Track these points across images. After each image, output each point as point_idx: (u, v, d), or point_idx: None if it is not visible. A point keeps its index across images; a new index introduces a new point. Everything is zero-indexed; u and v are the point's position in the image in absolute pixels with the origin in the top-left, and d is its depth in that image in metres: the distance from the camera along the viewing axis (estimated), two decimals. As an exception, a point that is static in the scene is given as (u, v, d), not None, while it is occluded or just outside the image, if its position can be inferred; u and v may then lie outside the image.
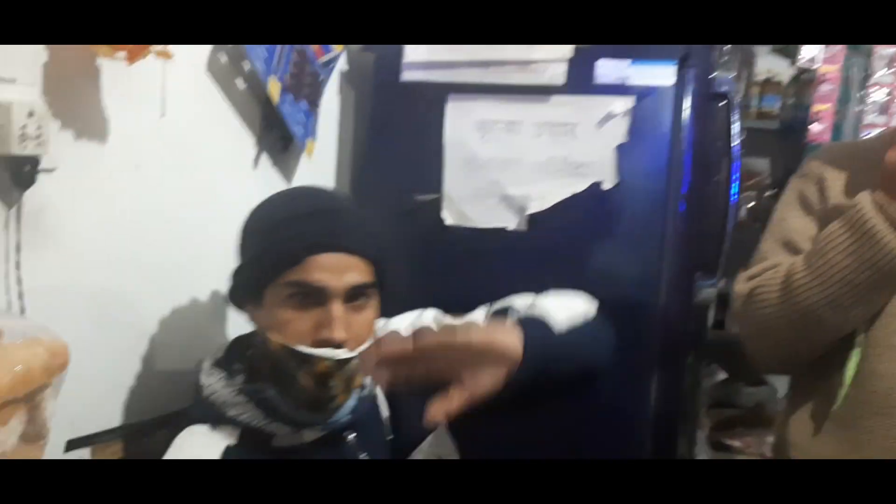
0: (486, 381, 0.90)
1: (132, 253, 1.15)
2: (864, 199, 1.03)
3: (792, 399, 1.23)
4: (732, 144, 1.48)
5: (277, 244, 0.98)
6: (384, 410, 1.12)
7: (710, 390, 2.55)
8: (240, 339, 1.09)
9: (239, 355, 1.05)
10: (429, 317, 1.25)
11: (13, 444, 0.51)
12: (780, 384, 3.02)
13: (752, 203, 2.58)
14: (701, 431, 2.24)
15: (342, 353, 0.96)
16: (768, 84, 2.63)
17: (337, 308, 0.96)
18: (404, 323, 1.23)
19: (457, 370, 0.88)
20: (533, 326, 0.94)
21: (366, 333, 1.00)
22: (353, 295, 0.98)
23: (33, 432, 0.53)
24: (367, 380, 1.07)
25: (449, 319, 1.25)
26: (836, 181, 1.16)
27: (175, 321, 1.26)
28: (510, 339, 0.91)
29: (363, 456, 1.05)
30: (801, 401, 1.18)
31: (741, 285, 1.19)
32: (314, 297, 0.96)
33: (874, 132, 2.04)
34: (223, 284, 1.11)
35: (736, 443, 2.78)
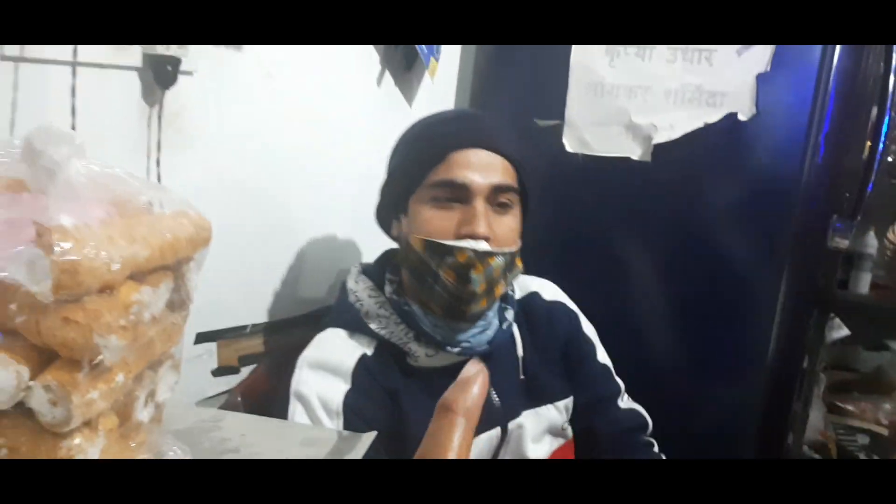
0: None
1: (264, 156, 1.19)
2: None
3: None
4: (889, 81, 1.36)
5: (422, 145, 1.00)
6: (520, 349, 1.11)
7: (829, 348, 2.42)
8: (390, 252, 1.11)
9: (389, 267, 1.07)
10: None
11: (160, 309, 0.53)
12: (903, 350, 2.84)
13: (892, 157, 2.39)
14: (817, 388, 2.13)
15: (483, 245, 0.95)
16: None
17: (480, 204, 0.96)
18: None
19: None
20: None
21: (509, 236, 0.99)
22: (497, 195, 0.98)
23: (178, 300, 0.56)
24: (509, 314, 1.08)
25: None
26: None
27: (304, 233, 1.30)
28: None
29: (493, 390, 1.05)
30: None
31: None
32: (458, 195, 0.97)
33: None
34: (351, 195, 1.12)
35: (850, 407, 2.65)
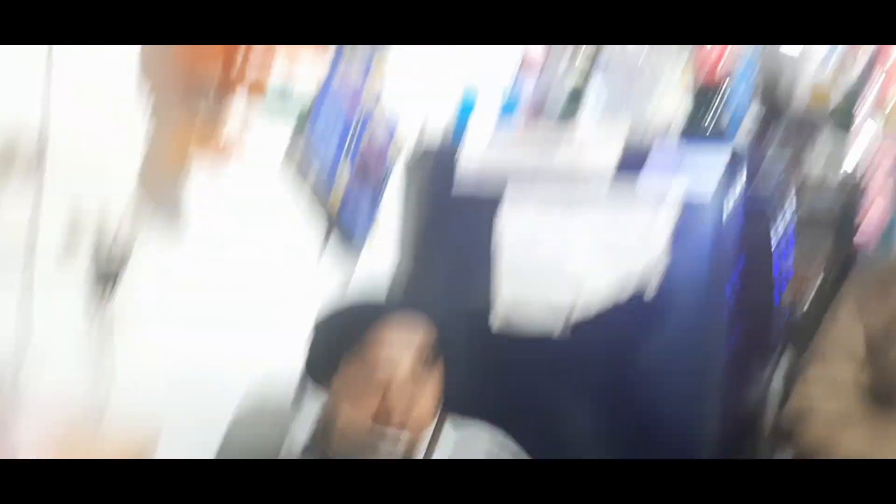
0: None
1: (212, 338, 1.26)
2: None
3: None
4: (774, 258, 1.52)
5: (337, 330, 1.09)
6: None
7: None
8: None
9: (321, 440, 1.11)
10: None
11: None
12: None
13: (806, 301, 2.55)
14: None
15: (399, 449, 1.02)
16: (821, 185, 2.65)
17: (397, 384, 1.03)
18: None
19: None
20: None
21: (426, 413, 1.07)
22: (415, 368, 1.05)
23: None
24: None
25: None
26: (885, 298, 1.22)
27: (251, 403, 1.35)
28: None
29: None
30: None
31: (799, 401, 1.23)
32: (377, 370, 1.04)
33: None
34: (293, 369, 1.19)
35: None
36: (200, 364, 1.23)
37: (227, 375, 1.30)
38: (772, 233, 1.56)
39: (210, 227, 1.23)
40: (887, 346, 1.23)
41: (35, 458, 0.53)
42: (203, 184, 1.19)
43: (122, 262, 1.05)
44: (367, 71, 1.52)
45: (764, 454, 1.48)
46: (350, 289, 1.20)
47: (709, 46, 1.47)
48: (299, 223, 1.48)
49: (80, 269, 1.02)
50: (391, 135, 1.63)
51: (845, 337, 1.27)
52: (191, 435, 1.17)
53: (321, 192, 1.46)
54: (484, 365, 1.55)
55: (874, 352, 1.24)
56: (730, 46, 1.50)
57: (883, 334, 1.24)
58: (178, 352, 1.18)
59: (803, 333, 1.51)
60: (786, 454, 1.37)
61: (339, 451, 1.06)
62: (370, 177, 1.57)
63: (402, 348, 1.05)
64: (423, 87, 1.77)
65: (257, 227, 1.35)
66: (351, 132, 1.49)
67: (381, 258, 1.74)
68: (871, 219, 2.20)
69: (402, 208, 1.78)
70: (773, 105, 1.77)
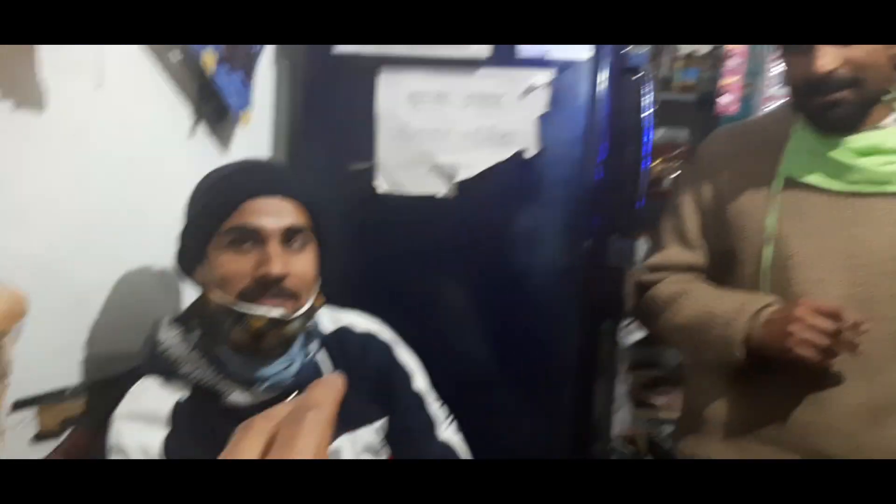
0: None
1: (75, 218, 1.18)
2: (740, 328, 1.15)
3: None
4: (643, 115, 1.59)
5: (216, 196, 1.04)
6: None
7: (633, 351, 2.69)
8: (198, 299, 1.13)
9: (196, 313, 1.10)
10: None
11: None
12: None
13: (676, 173, 2.72)
14: (621, 387, 2.37)
15: (275, 312, 1.00)
16: (690, 58, 2.77)
17: (274, 246, 1.01)
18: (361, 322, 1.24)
19: None
20: None
21: (305, 273, 1.05)
22: (290, 236, 1.03)
23: (-2, 371, 0.58)
24: (312, 346, 1.12)
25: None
26: (725, 167, 1.26)
27: (119, 289, 1.30)
28: None
29: None
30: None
31: (643, 276, 1.31)
32: (252, 238, 1.02)
33: (774, 105, 2.18)
34: (167, 252, 1.15)
35: (660, 400, 2.94)
36: (62, 244, 1.16)
37: (90, 257, 1.24)
38: (642, 98, 1.61)
39: (68, 99, 1.14)
40: (720, 222, 1.25)
41: None
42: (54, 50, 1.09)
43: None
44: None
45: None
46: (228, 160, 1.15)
47: None
48: (169, 92, 1.40)
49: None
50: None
51: (679, 221, 1.31)
52: (48, 323, 1.12)
53: (193, 53, 1.37)
54: (369, 226, 1.57)
55: (706, 234, 1.28)
56: None
57: (715, 210, 1.26)
58: (38, 228, 1.11)
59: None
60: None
61: (212, 325, 1.05)
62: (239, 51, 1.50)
63: (278, 217, 1.03)
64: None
65: (122, 98, 1.27)
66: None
67: (260, 129, 1.69)
68: (732, 88, 2.32)
69: (279, 71, 1.72)
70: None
